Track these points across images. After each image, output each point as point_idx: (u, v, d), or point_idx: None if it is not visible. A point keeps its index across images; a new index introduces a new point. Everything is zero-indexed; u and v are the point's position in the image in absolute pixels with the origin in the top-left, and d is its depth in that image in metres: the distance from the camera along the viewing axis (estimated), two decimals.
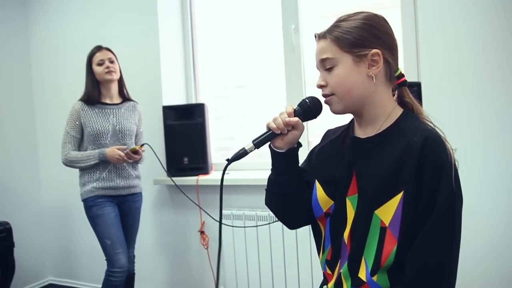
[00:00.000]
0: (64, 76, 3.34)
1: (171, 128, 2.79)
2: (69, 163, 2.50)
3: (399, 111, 1.12)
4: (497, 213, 2.09)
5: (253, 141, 1.14)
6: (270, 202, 1.27)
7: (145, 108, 3.01)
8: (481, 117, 2.10)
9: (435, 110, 2.16)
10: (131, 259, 2.69)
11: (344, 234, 1.12)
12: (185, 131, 2.77)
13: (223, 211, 2.66)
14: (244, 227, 2.57)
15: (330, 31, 1.11)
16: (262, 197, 2.42)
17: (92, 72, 2.53)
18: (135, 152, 2.51)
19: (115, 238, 2.47)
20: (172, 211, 2.99)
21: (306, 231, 2.40)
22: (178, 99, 3.06)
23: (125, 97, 2.65)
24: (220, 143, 3.18)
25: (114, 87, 2.60)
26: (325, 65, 1.11)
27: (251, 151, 1.13)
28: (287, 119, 1.13)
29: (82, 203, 2.53)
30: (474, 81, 2.11)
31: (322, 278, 1.27)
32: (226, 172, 2.86)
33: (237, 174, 2.76)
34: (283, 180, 1.20)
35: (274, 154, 1.20)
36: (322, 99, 1.17)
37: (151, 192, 3.02)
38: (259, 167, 2.84)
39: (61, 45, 2.77)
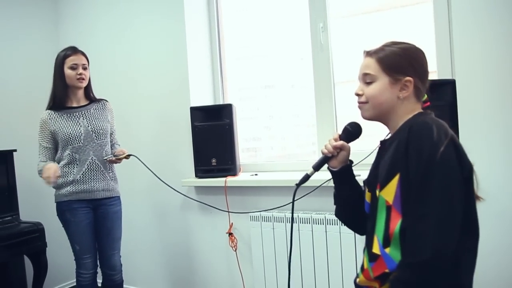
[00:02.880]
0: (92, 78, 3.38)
1: (198, 129, 2.78)
2: (39, 174, 2.46)
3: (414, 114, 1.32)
4: None
5: (312, 166, 1.44)
6: (339, 214, 1.52)
7: (173, 109, 3.04)
8: None
9: (471, 108, 2.11)
10: (116, 267, 2.64)
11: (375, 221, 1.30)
12: (213, 132, 2.76)
13: (252, 214, 2.64)
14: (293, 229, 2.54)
15: (377, 51, 1.32)
16: (290, 199, 2.37)
17: (63, 74, 2.48)
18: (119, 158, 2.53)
19: (84, 245, 2.51)
20: (200, 212, 2.99)
21: (336, 234, 2.36)
22: (205, 100, 3.05)
23: (92, 99, 2.63)
24: (247, 144, 3.16)
25: (81, 90, 2.57)
26: (366, 79, 1.32)
27: (312, 174, 1.45)
28: (334, 143, 1.42)
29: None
30: None
31: (352, 282, 1.41)
32: (254, 173, 2.81)
33: (265, 175, 2.73)
34: (343, 193, 1.48)
35: (332, 173, 1.47)
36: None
37: (179, 193, 3.02)
38: (286, 168, 2.81)
39: (90, 47, 2.82)
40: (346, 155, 1.43)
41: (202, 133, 2.78)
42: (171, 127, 3.06)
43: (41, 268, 2.87)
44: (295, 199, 1.45)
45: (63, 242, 2.60)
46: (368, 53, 1.34)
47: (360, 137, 1.46)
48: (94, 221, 2.57)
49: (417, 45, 1.34)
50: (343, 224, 1.55)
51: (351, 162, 1.46)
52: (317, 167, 1.43)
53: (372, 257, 1.26)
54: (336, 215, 1.52)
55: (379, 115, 1.33)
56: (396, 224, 1.18)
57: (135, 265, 3.25)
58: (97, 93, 2.66)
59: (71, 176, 2.49)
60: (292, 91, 3.05)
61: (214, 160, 2.77)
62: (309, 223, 2.45)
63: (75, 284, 2.62)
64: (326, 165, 1.48)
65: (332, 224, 2.38)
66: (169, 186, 2.76)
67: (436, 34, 2.32)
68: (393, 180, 1.20)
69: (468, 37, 2.11)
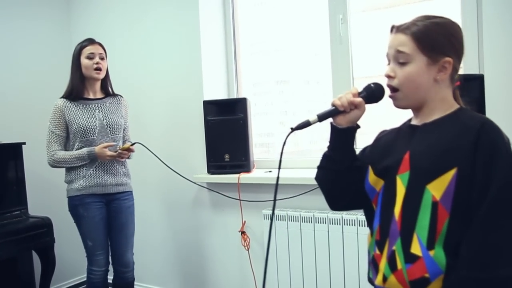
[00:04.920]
0: None
1: (212, 123, 2.70)
2: (56, 164, 2.42)
3: (456, 106, 1.19)
4: None
5: (317, 114, 1.23)
6: (321, 177, 1.34)
7: (186, 103, 2.96)
8: None
9: (500, 105, 1.99)
10: (129, 265, 2.58)
11: (395, 211, 1.15)
12: (227, 127, 2.67)
13: (264, 211, 2.55)
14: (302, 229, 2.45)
15: (409, 27, 1.15)
16: (306, 197, 2.28)
17: (80, 65, 2.44)
18: (127, 149, 2.44)
19: (97, 241, 2.45)
20: (212, 210, 2.91)
21: (353, 234, 2.26)
22: (219, 93, 2.97)
23: (108, 93, 2.58)
24: (259, 139, 3.08)
25: (98, 82, 2.53)
26: (399, 58, 1.16)
27: (314, 123, 1.23)
28: (352, 98, 1.22)
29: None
30: None
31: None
32: (269, 170, 2.69)
33: (280, 172, 2.63)
34: (337, 156, 1.28)
35: (333, 129, 1.27)
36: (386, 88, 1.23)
37: (190, 190, 2.95)
38: (300, 165, 2.73)
39: (101, 39, 2.75)
40: (359, 115, 1.24)
41: (215, 128, 2.69)
42: (184, 121, 2.98)
43: (49, 263, 2.81)
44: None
45: (72, 237, 2.56)
46: (400, 29, 1.17)
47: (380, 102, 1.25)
48: (107, 216, 2.51)
49: (452, 20, 1.19)
50: (322, 192, 1.34)
51: (358, 126, 1.27)
52: (322, 117, 1.23)
53: (410, 258, 1.10)
54: (316, 177, 1.35)
55: (415, 102, 1.18)
56: (444, 223, 1.06)
57: (146, 262, 3.19)
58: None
59: (83, 170, 2.43)
60: (307, 87, 2.97)
61: (227, 156, 2.69)
62: (325, 223, 2.36)
63: (83, 280, 2.58)
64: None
65: (349, 225, 2.29)
66: (179, 174, 2.69)
67: (464, 27, 2.20)
68: (447, 175, 1.06)
69: (499, 30, 2.00)
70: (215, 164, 2.72)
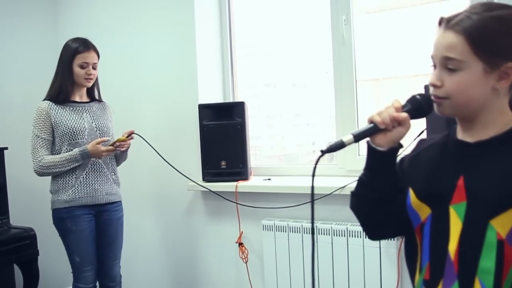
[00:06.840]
0: None
1: (207, 128, 2.57)
2: (45, 170, 2.23)
3: None
4: None
5: (352, 133, 1.04)
6: (358, 206, 1.16)
7: (180, 106, 2.84)
8: None
9: None
10: (116, 278, 2.45)
11: (449, 248, 0.98)
12: (223, 132, 2.55)
13: (264, 221, 2.42)
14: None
15: (461, 21, 0.94)
16: (307, 207, 2.14)
17: (72, 71, 2.28)
18: (123, 141, 2.28)
19: (85, 257, 2.29)
20: (207, 219, 2.77)
21: (359, 247, 2.14)
22: (214, 97, 2.85)
23: (93, 98, 2.45)
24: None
25: (85, 87, 2.41)
26: (448, 64, 0.96)
27: (349, 143, 1.04)
28: (395, 114, 1.02)
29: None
30: None
31: None
32: (267, 178, 2.53)
33: (280, 180, 2.53)
34: (378, 182, 1.09)
35: (373, 152, 1.08)
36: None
37: (184, 198, 2.82)
38: (296, 172, 2.64)
39: (92, 40, 2.61)
40: (403, 133, 1.04)
41: (211, 133, 2.57)
42: (178, 126, 2.84)
43: (32, 277, 2.65)
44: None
45: (56, 249, 2.41)
46: (450, 24, 0.96)
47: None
48: (96, 228, 2.36)
49: None
50: (359, 224, 1.17)
51: (401, 145, 1.09)
52: (358, 137, 1.04)
53: None
54: (352, 206, 1.16)
55: (465, 113, 1.00)
56: (510, 266, 0.90)
57: (136, 273, 3.04)
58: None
59: (73, 178, 2.27)
60: (294, 90, 2.96)
61: (223, 163, 2.56)
62: (329, 234, 2.23)
63: None
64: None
65: (355, 237, 2.17)
66: (175, 169, 2.55)
67: None
68: None
69: None
70: (210, 171, 2.59)
